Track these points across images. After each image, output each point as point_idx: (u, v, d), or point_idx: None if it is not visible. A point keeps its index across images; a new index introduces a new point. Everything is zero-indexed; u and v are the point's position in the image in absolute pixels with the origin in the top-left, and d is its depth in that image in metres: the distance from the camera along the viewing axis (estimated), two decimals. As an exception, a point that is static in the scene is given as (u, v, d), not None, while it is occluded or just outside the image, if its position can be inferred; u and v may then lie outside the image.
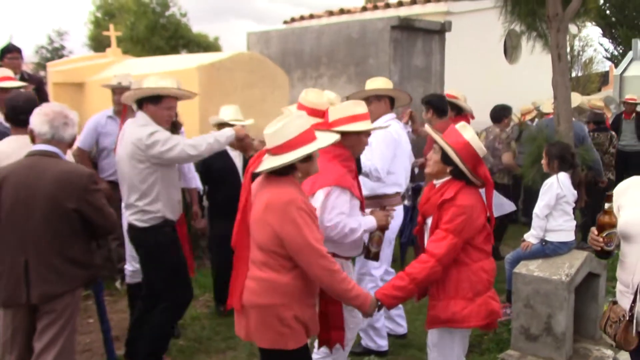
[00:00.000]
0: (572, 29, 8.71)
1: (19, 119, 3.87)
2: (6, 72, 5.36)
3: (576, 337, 4.63)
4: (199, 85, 6.98)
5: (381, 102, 4.74)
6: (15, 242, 3.28)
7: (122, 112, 5.71)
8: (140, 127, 4.00)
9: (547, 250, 4.76)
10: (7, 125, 4.13)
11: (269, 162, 2.99)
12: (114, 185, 5.42)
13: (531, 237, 4.86)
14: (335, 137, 3.17)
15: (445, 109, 6.14)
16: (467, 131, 3.35)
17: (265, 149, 3.07)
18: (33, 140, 3.47)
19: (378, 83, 4.84)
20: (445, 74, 9.69)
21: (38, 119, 3.42)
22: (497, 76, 11.50)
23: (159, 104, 4.06)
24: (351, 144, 3.55)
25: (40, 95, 6.48)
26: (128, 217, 4.14)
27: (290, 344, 2.98)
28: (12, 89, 4.92)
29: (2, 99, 4.85)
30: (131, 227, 4.15)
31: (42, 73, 25.47)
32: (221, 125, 5.23)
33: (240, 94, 7.28)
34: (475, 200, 3.32)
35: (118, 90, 5.72)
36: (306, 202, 3.02)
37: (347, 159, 3.54)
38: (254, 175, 3.07)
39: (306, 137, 3.00)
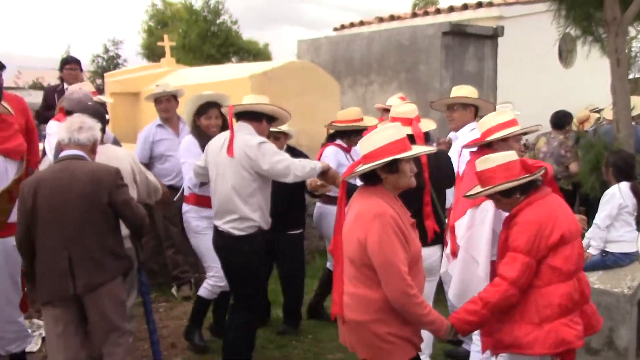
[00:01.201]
0: (630, 31, 8.47)
1: None
2: (89, 87, 5.55)
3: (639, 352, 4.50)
4: (251, 94, 7.06)
5: (467, 111, 4.76)
6: (57, 240, 3.51)
7: (170, 120, 5.85)
8: (250, 136, 4.07)
9: (608, 261, 4.64)
10: (112, 134, 4.33)
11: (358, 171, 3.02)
12: (173, 189, 5.55)
13: (591, 248, 4.74)
14: (431, 149, 3.22)
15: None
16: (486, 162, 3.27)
17: (360, 158, 3.08)
18: (60, 150, 3.70)
19: (464, 91, 4.81)
20: (498, 80, 9.54)
21: (60, 129, 3.73)
22: (551, 81, 11.27)
23: (260, 123, 4.17)
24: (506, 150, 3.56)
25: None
26: (222, 225, 4.13)
27: (394, 357, 2.91)
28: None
29: None
30: (224, 235, 4.14)
31: (98, 81, 26.28)
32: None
33: (291, 102, 7.31)
34: (546, 215, 3.10)
35: (163, 99, 5.85)
36: (397, 217, 2.91)
37: None
38: (350, 188, 3.12)
39: (396, 147, 2.93)
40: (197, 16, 30.36)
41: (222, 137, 4.22)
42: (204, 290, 4.84)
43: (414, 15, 12.22)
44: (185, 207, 4.89)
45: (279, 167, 3.96)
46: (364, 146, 3.01)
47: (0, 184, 3.67)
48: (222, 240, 4.19)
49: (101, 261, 3.57)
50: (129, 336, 3.84)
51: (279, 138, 5.02)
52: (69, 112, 4.44)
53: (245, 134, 4.08)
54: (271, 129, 5.20)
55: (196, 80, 8.07)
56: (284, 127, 5.00)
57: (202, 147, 4.62)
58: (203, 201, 4.72)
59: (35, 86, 29.61)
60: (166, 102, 5.86)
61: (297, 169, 4.01)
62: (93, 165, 3.65)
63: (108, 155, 3.93)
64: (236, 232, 4.07)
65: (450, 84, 8.81)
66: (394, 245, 2.83)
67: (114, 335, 3.62)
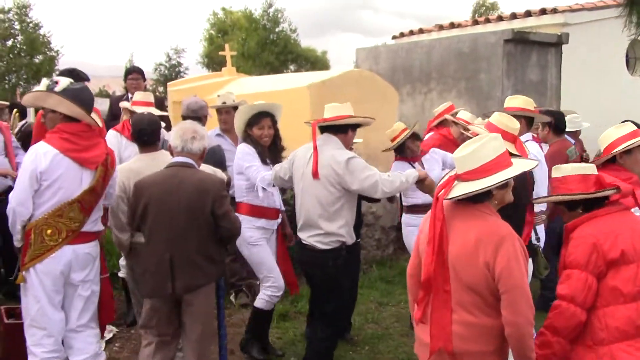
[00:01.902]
0: None
1: (143, 140, 4.35)
2: (150, 97, 5.65)
3: None
4: (310, 103, 7.10)
5: (520, 121, 4.62)
6: (162, 241, 3.77)
7: (229, 131, 5.90)
8: (338, 150, 4.02)
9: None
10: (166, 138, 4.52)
11: (464, 188, 2.72)
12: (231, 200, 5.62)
13: None
14: (535, 163, 3.00)
15: (563, 126, 5.88)
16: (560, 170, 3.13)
17: (455, 174, 2.83)
18: (172, 153, 3.95)
19: (518, 102, 4.68)
20: (562, 88, 9.31)
21: (173, 135, 3.93)
22: (617, 89, 10.91)
23: (346, 134, 4.13)
24: (631, 164, 3.56)
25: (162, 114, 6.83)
26: (306, 239, 4.10)
27: None
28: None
29: None
30: (308, 248, 4.10)
31: (160, 89, 26.95)
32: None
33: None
34: (606, 230, 2.91)
35: (223, 110, 5.93)
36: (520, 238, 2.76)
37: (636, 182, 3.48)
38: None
39: (503, 160, 2.76)
40: (257, 24, 30.82)
41: (308, 150, 4.15)
42: (261, 302, 4.81)
43: (475, 22, 12.05)
44: (239, 217, 4.77)
45: (367, 184, 3.89)
46: (468, 160, 2.74)
47: (74, 192, 3.77)
48: (306, 253, 4.15)
49: (200, 265, 3.79)
50: (214, 337, 4.12)
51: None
52: (184, 118, 5.15)
53: (333, 149, 4.02)
54: None
55: (255, 89, 8.17)
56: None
57: (260, 156, 4.68)
58: (257, 211, 4.74)
59: (101, 94, 30.61)
60: (226, 113, 5.92)
61: (386, 185, 3.94)
62: (201, 175, 3.88)
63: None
64: (320, 246, 4.03)
65: (512, 93, 8.64)
66: (523, 268, 2.66)
67: (202, 334, 3.86)
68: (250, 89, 8.21)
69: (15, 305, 4.92)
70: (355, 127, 4.25)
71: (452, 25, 12.11)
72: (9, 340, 4.42)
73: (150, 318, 3.91)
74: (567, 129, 6.48)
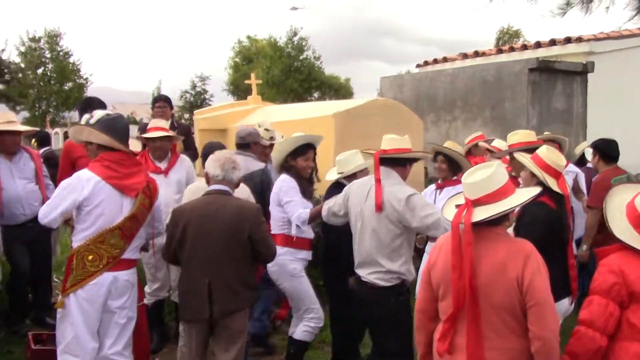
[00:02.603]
0: None
1: None
2: (160, 122, 5.63)
3: None
4: (334, 132, 7.15)
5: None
6: (200, 266, 3.84)
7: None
8: (398, 186, 3.89)
9: None
10: None
11: (490, 210, 2.77)
12: None
13: None
14: (538, 190, 3.08)
15: (613, 154, 5.76)
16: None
17: (471, 199, 2.83)
18: (208, 181, 4.06)
19: (519, 137, 4.72)
20: (588, 116, 9.25)
21: (212, 164, 4.02)
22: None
23: (404, 168, 4.02)
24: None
25: (189, 142, 6.88)
26: (366, 276, 3.93)
27: None
28: (159, 138, 5.23)
29: (151, 147, 5.25)
30: (368, 285, 3.93)
31: (186, 116, 27.27)
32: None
33: (374, 140, 7.31)
34: (637, 263, 2.84)
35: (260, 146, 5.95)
36: None
37: None
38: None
39: (511, 185, 2.88)
40: (281, 52, 31.16)
41: (365, 185, 4.02)
42: (304, 334, 4.70)
43: (500, 51, 12.06)
44: (280, 249, 4.53)
45: (428, 221, 3.75)
46: (485, 184, 2.79)
47: (115, 219, 3.83)
48: (365, 291, 3.96)
49: (237, 290, 3.87)
50: None
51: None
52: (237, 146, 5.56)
53: (393, 185, 3.89)
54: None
55: (281, 118, 8.25)
56: (360, 162, 4.98)
57: (300, 188, 4.66)
58: (300, 243, 4.69)
59: (128, 121, 31.12)
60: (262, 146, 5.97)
61: (448, 224, 3.79)
62: (239, 202, 4.02)
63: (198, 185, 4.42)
64: (382, 283, 3.86)
65: (538, 121, 8.63)
66: (547, 283, 2.72)
67: (235, 357, 3.91)
68: (275, 118, 8.28)
69: (43, 331, 4.99)
70: (413, 161, 4.14)
71: (477, 54, 12.13)
72: (36, 366, 4.45)
73: (189, 340, 3.98)
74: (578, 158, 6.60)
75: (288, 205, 4.61)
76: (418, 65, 13.45)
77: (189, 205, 4.05)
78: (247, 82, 10.73)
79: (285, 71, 30.58)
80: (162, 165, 5.27)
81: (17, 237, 5.17)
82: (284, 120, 8.00)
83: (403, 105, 8.31)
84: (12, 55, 17.75)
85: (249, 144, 5.57)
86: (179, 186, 5.24)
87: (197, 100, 29.82)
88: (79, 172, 3.89)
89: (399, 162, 3.97)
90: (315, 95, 32.80)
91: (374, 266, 3.88)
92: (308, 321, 4.71)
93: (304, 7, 36.30)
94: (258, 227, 3.92)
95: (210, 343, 4.01)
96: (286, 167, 4.78)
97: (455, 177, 5.42)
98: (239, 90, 30.80)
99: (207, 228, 3.85)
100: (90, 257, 3.81)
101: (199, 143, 8.76)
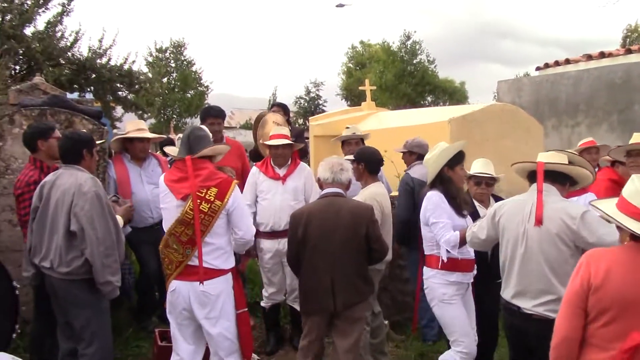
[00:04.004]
0: None
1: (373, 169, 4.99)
2: (283, 130, 5.67)
3: None
4: (450, 138, 7.00)
5: None
6: (323, 263, 4.14)
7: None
8: (566, 202, 3.57)
9: None
10: None
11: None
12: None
13: None
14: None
15: None
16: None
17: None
18: (321, 186, 4.35)
19: None
20: None
21: (322, 169, 4.32)
22: None
23: (564, 186, 3.70)
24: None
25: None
26: (533, 308, 3.52)
27: None
28: (281, 146, 5.35)
29: (273, 154, 5.39)
30: (534, 318, 3.52)
31: (300, 121, 27.85)
32: (470, 177, 4.90)
33: (492, 145, 7.15)
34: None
35: (353, 142, 5.99)
36: None
37: None
38: None
39: None
40: (395, 56, 31.08)
41: (524, 203, 3.63)
42: None
43: (628, 51, 11.34)
44: (429, 271, 4.37)
45: (608, 239, 3.26)
46: None
47: (169, 222, 3.95)
48: (533, 325, 3.52)
49: (357, 285, 4.17)
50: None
51: (480, 184, 4.79)
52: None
53: (558, 201, 3.55)
54: (482, 174, 4.80)
55: (395, 124, 8.21)
56: (475, 167, 4.79)
57: (451, 201, 4.32)
58: (454, 264, 4.29)
59: (246, 126, 32.20)
60: (355, 144, 5.99)
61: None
62: (354, 203, 4.35)
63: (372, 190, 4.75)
64: (552, 315, 3.26)
65: (671, 126, 8.04)
66: None
67: (354, 343, 4.17)
68: (389, 123, 8.27)
69: (168, 328, 5.25)
70: (574, 182, 3.78)
71: (602, 55, 11.45)
72: (162, 362, 4.69)
73: (310, 332, 4.23)
74: None
75: (435, 227, 4.27)
76: (538, 68, 12.91)
77: (307, 208, 4.37)
78: (361, 88, 10.78)
79: (398, 75, 30.48)
80: (281, 172, 5.40)
81: (145, 239, 5.46)
82: (398, 126, 7.96)
83: (522, 111, 8.01)
84: (141, 66, 18.92)
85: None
86: (296, 193, 5.35)
87: (311, 105, 30.38)
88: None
89: (559, 179, 3.66)
90: (429, 99, 32.44)
91: (543, 295, 3.47)
92: (455, 353, 4.29)
93: (351, 4, 35.81)
94: (373, 226, 4.18)
95: (330, 334, 4.31)
96: (439, 180, 4.38)
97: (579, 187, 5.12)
98: (351, 95, 31.07)
99: (327, 229, 4.14)
100: (166, 260, 3.99)
101: (314, 149, 8.92)
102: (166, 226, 3.98)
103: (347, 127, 6.31)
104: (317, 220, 4.17)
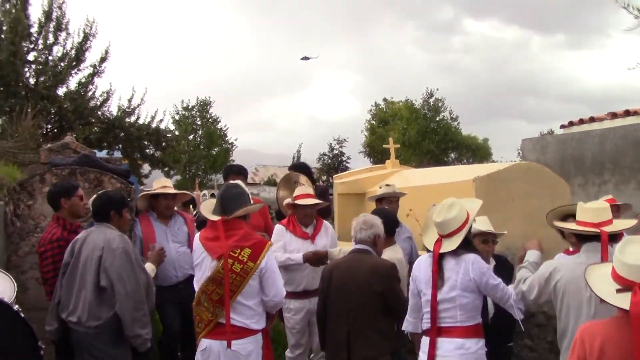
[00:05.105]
0: None
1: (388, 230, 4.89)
2: (309, 190, 5.71)
3: None
4: (475, 197, 6.96)
5: None
6: (341, 315, 4.26)
7: None
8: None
9: None
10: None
11: None
12: None
13: None
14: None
15: None
16: None
17: None
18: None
19: None
20: None
21: (352, 226, 4.50)
22: None
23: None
24: None
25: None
26: None
27: None
28: (310, 206, 5.40)
29: (300, 214, 5.41)
30: None
31: (323, 178, 27.99)
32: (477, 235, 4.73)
33: (517, 204, 7.09)
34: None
35: (394, 200, 5.97)
36: None
37: None
38: None
39: None
40: (418, 114, 31.36)
41: (581, 265, 3.31)
42: None
43: (653, 109, 11.31)
44: (478, 341, 3.99)
45: None
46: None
47: (202, 280, 3.97)
48: None
49: (372, 338, 4.19)
50: None
51: (487, 241, 4.71)
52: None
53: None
54: (491, 232, 4.76)
55: (420, 182, 8.19)
56: (479, 225, 4.65)
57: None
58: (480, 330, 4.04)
59: (270, 182, 32.42)
60: (395, 202, 5.96)
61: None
62: (375, 259, 4.39)
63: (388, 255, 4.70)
64: None
65: (702, 185, 7.92)
66: None
67: None
68: (413, 182, 8.25)
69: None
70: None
71: (627, 113, 11.43)
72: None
73: None
74: None
75: (497, 289, 3.91)
76: (562, 126, 12.90)
77: (334, 263, 4.65)
78: (385, 146, 10.83)
79: (422, 132, 30.66)
80: (309, 231, 5.44)
81: (169, 298, 5.44)
82: (423, 184, 7.95)
83: (548, 170, 7.97)
84: (168, 124, 19.41)
85: None
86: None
87: (335, 162, 30.55)
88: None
89: (597, 238, 3.53)
90: (452, 155, 32.46)
91: None
92: None
93: (317, 57, 36.46)
94: (391, 283, 4.24)
95: None
96: (468, 242, 4.10)
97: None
98: (374, 152, 31.22)
99: (346, 282, 4.29)
100: (197, 318, 3.99)
101: (338, 207, 8.92)
102: (198, 284, 4.00)
103: (388, 185, 6.26)
104: (338, 274, 4.36)
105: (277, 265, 4.22)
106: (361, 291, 4.21)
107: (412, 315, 4.11)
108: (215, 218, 4.05)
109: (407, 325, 4.17)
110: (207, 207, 4.27)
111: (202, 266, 4.01)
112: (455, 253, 3.93)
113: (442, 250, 3.93)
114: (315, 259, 5.27)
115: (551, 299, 3.66)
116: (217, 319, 3.90)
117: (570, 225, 3.70)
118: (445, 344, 3.85)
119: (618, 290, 2.54)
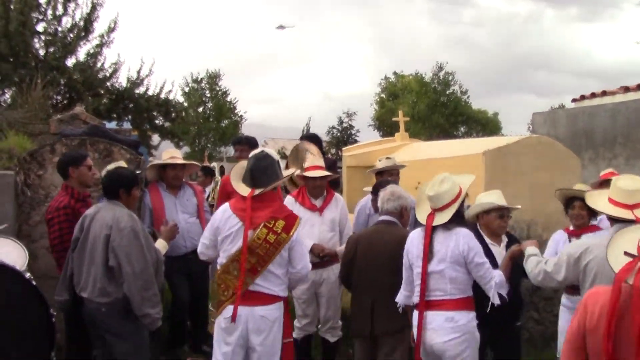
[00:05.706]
0: None
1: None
2: (319, 161, 5.68)
3: None
4: (484, 170, 6.94)
5: None
6: (366, 285, 4.37)
7: None
8: None
9: None
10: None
11: None
12: None
13: None
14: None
15: None
16: None
17: None
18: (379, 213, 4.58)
19: None
20: None
21: (378, 198, 4.55)
22: None
23: None
24: None
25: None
26: None
27: None
28: (320, 178, 5.38)
29: (310, 186, 5.40)
30: None
31: (332, 151, 27.95)
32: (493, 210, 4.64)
33: (527, 178, 7.05)
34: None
35: (395, 172, 5.93)
36: None
37: None
38: None
39: None
40: (427, 87, 31.16)
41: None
42: None
43: (667, 83, 11.18)
44: (468, 314, 4.01)
45: None
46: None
47: (234, 249, 3.96)
48: None
49: (396, 311, 4.21)
50: None
51: (503, 216, 4.57)
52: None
53: None
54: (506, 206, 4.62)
55: (429, 155, 8.17)
56: (494, 199, 4.58)
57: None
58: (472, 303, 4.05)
59: (279, 155, 32.48)
60: (396, 175, 5.94)
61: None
62: (400, 230, 4.44)
63: None
64: None
65: None
66: None
67: None
68: (423, 155, 8.23)
69: (199, 358, 5.25)
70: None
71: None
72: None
73: (356, 356, 4.49)
74: None
75: (481, 268, 3.92)
76: (574, 100, 12.78)
77: (361, 233, 4.72)
78: (394, 119, 10.76)
79: (431, 106, 30.51)
80: (318, 203, 5.41)
81: (177, 268, 5.49)
82: (432, 157, 7.92)
83: (559, 143, 7.90)
84: (177, 95, 19.30)
85: None
86: (333, 224, 5.37)
87: (344, 135, 30.46)
88: (223, 205, 4.17)
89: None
90: (462, 129, 32.30)
91: None
92: None
93: (293, 26, 36.04)
94: None
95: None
96: (461, 217, 4.16)
97: (594, 222, 4.98)
98: (384, 125, 31.10)
99: (372, 254, 4.35)
100: (222, 286, 3.99)
101: (347, 179, 8.92)
102: (227, 252, 3.99)
103: (388, 158, 6.23)
104: (364, 244, 4.42)
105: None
106: (388, 263, 4.26)
107: (405, 289, 4.16)
108: (244, 188, 4.06)
109: (400, 298, 4.21)
110: (237, 173, 4.22)
111: (233, 235, 3.97)
112: (447, 227, 3.96)
113: (434, 224, 3.97)
114: (321, 256, 5.22)
115: (578, 279, 3.59)
116: (247, 286, 3.93)
117: (605, 207, 3.58)
118: (435, 317, 3.89)
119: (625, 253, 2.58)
